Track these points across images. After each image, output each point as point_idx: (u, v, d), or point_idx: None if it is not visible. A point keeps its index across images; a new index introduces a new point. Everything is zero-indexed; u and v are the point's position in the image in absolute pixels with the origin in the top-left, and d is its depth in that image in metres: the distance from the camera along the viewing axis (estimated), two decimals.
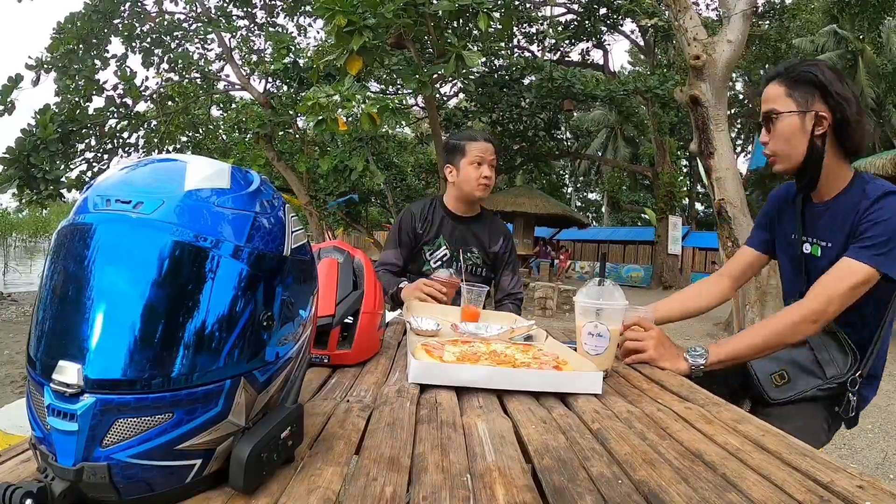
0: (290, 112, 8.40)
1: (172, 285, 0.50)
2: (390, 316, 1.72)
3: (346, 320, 1.08)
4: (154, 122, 9.10)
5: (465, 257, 2.13)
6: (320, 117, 4.21)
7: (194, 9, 9.02)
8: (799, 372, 1.30)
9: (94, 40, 7.69)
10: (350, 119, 4.69)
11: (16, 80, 6.79)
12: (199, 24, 8.99)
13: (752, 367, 1.33)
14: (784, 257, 1.47)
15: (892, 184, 1.28)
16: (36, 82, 7.31)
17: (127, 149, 8.62)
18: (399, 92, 9.53)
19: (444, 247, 2.12)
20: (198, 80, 9.77)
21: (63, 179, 6.86)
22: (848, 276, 1.19)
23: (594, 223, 29.84)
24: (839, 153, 1.30)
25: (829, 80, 1.25)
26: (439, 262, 2.12)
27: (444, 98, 12.94)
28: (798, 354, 1.32)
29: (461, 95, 13.12)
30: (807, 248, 1.39)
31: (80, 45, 7.52)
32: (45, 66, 7.35)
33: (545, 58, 12.88)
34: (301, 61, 8.17)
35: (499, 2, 7.04)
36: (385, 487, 0.56)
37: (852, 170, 1.33)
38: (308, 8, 8.98)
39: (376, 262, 2.04)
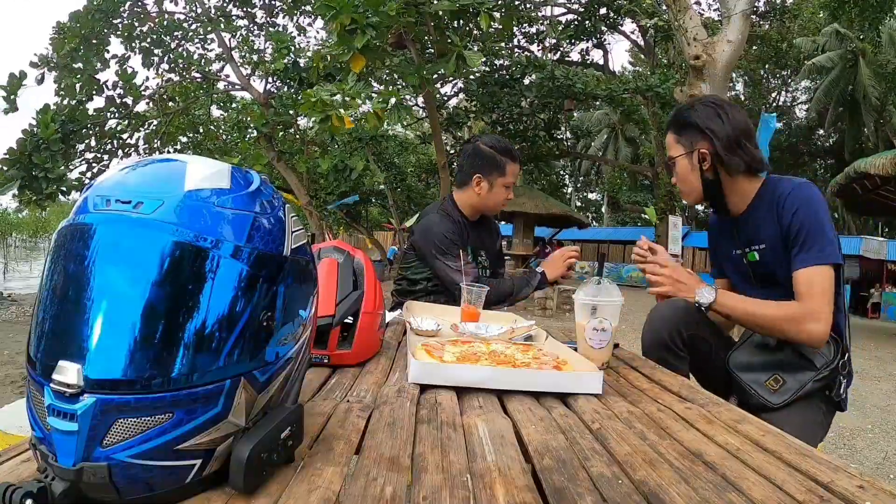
0: (291, 112, 8.40)
1: (172, 285, 0.50)
2: (390, 316, 1.72)
3: (346, 320, 1.08)
4: (154, 123, 9.09)
5: (478, 263, 2.14)
6: (324, 115, 4.20)
7: (194, 9, 9.01)
8: (790, 371, 1.33)
9: (95, 40, 7.68)
10: (353, 118, 4.68)
11: (20, 78, 6.78)
12: (199, 24, 8.98)
13: (743, 381, 1.36)
14: (733, 274, 1.56)
15: (796, 178, 1.40)
16: (41, 81, 7.29)
17: (127, 149, 8.61)
18: (400, 91, 9.52)
19: (469, 256, 2.07)
20: (198, 80, 9.77)
21: (64, 179, 6.85)
22: (823, 279, 1.27)
23: (594, 223, 29.83)
24: (732, 173, 1.42)
25: (702, 117, 1.40)
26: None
27: (445, 98, 12.93)
28: (781, 355, 1.35)
29: (461, 95, 13.11)
30: (737, 253, 1.50)
31: (82, 45, 7.51)
32: (50, 64, 7.33)
33: (546, 58, 12.86)
34: (301, 61, 8.17)
35: (499, 2, 7.03)
36: (385, 487, 0.56)
37: (760, 178, 1.44)
38: (307, 8, 8.98)
39: (459, 282, 1.88)
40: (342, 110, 4.14)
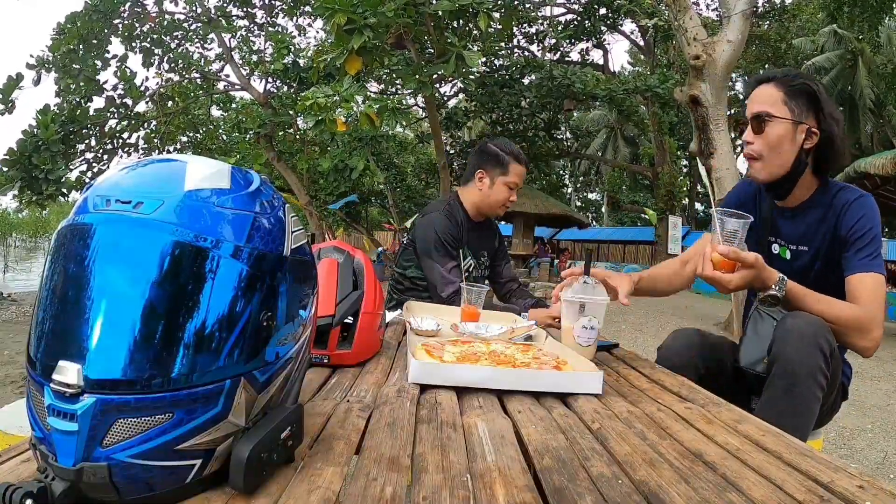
0: (290, 112, 8.40)
1: (172, 285, 0.50)
2: (390, 316, 1.72)
3: (346, 320, 1.08)
4: (154, 123, 9.10)
5: (479, 262, 2.13)
6: (319, 117, 4.20)
7: (194, 9, 9.01)
8: None
9: (95, 40, 7.68)
10: (349, 119, 4.69)
11: (17, 80, 6.78)
12: (199, 25, 8.98)
13: (763, 374, 1.32)
14: None
15: (856, 187, 1.35)
16: (37, 82, 7.29)
17: (127, 149, 8.62)
18: (399, 92, 9.53)
19: (470, 256, 2.05)
20: (198, 80, 9.77)
21: (64, 180, 6.85)
22: (883, 288, 1.25)
23: (594, 223, 29.85)
24: (813, 166, 1.35)
25: (824, 98, 1.29)
26: (466, 273, 2.05)
27: (444, 98, 12.93)
28: None
29: (461, 95, 13.12)
30: (775, 248, 1.43)
31: (81, 45, 7.51)
32: (46, 65, 7.34)
33: (545, 58, 12.88)
34: (301, 61, 8.18)
35: (499, 2, 7.03)
36: (385, 487, 0.56)
37: (818, 177, 1.37)
38: (308, 8, 8.99)
39: (446, 289, 1.89)
40: (337, 110, 4.14)
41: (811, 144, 1.30)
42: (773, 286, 1.21)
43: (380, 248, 14.79)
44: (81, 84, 7.52)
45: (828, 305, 1.23)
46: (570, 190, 31.70)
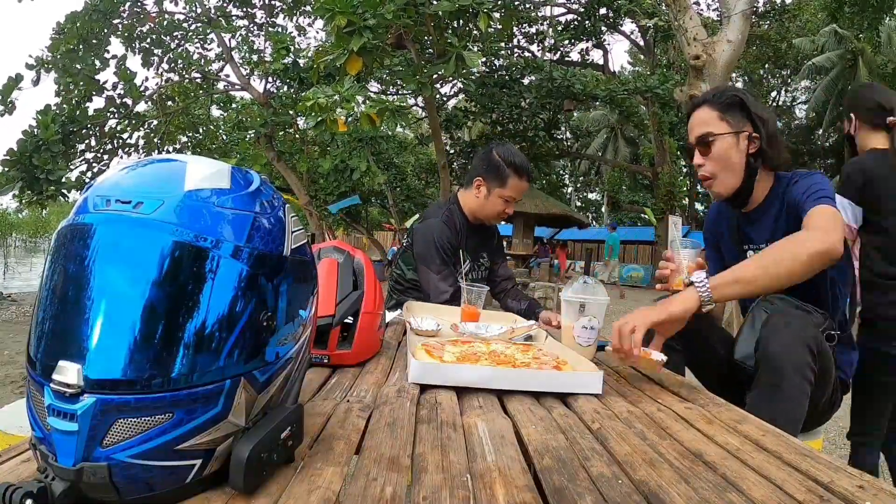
0: (290, 112, 8.40)
1: (172, 285, 0.50)
2: (390, 316, 1.72)
3: (346, 320, 1.08)
4: (154, 123, 9.09)
5: (478, 264, 2.13)
6: (320, 118, 4.20)
7: (194, 9, 9.01)
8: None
9: (95, 40, 7.67)
10: (350, 119, 4.69)
11: (16, 80, 6.78)
12: (199, 25, 8.98)
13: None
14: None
15: (806, 170, 1.39)
16: (36, 82, 7.28)
17: (127, 149, 8.61)
18: (399, 92, 9.53)
19: (468, 260, 2.04)
20: (198, 80, 9.77)
21: (64, 180, 6.84)
22: (831, 212, 1.19)
23: (594, 223, 29.85)
24: (764, 167, 1.40)
25: (752, 102, 1.37)
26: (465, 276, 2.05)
27: (444, 98, 12.92)
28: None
29: (461, 96, 13.11)
30: (750, 255, 1.46)
31: (81, 45, 7.50)
32: (46, 65, 7.33)
33: (545, 58, 12.88)
34: (301, 61, 8.17)
35: (499, 2, 7.03)
36: (385, 487, 0.56)
37: (772, 176, 1.42)
38: (307, 8, 8.98)
39: (437, 300, 1.90)
40: (338, 110, 4.13)
41: (755, 149, 1.36)
42: (700, 304, 1.13)
43: (392, 248, 14.77)
44: (81, 84, 7.51)
45: (759, 260, 1.16)
46: (570, 190, 31.70)
